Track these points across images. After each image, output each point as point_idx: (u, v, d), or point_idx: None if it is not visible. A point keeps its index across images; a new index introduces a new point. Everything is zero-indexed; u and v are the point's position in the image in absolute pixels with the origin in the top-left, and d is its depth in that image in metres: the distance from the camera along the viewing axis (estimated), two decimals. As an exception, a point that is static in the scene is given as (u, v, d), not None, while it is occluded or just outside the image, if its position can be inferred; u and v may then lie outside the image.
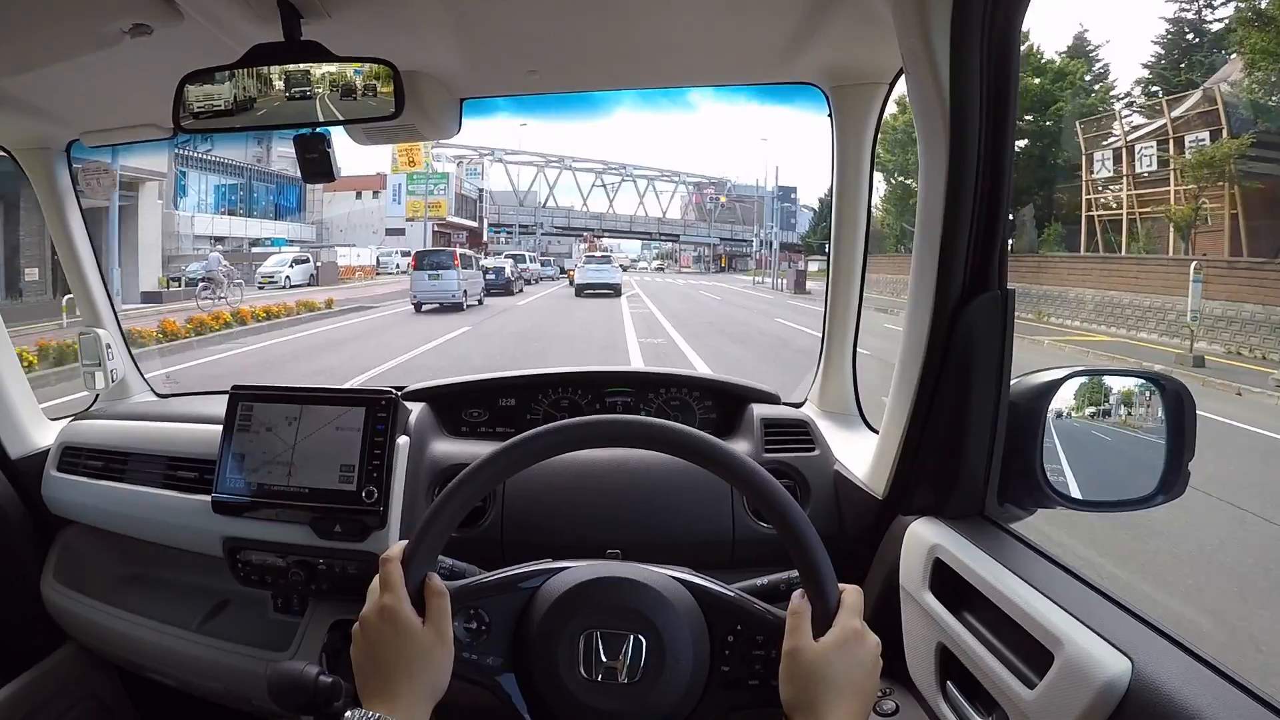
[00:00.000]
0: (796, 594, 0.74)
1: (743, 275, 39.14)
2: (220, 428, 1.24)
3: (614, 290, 21.58)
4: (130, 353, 1.72)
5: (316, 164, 1.13)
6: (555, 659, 0.75)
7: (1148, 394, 0.92)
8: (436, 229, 31.10)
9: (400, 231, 31.01)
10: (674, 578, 0.79)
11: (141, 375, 1.76)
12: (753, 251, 41.40)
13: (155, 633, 1.40)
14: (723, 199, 44.71)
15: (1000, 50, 0.82)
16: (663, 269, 48.30)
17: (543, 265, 31.28)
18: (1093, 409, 0.94)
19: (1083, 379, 0.93)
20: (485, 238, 35.77)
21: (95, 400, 1.71)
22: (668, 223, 44.88)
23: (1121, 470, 0.95)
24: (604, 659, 0.74)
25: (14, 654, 1.52)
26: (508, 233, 38.44)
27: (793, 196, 40.82)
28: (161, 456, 1.39)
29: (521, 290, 22.97)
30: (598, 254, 26.84)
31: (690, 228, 45.14)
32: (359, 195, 32.78)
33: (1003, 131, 0.84)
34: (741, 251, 44.54)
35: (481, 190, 37.64)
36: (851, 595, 0.73)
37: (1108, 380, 0.95)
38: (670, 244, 47.46)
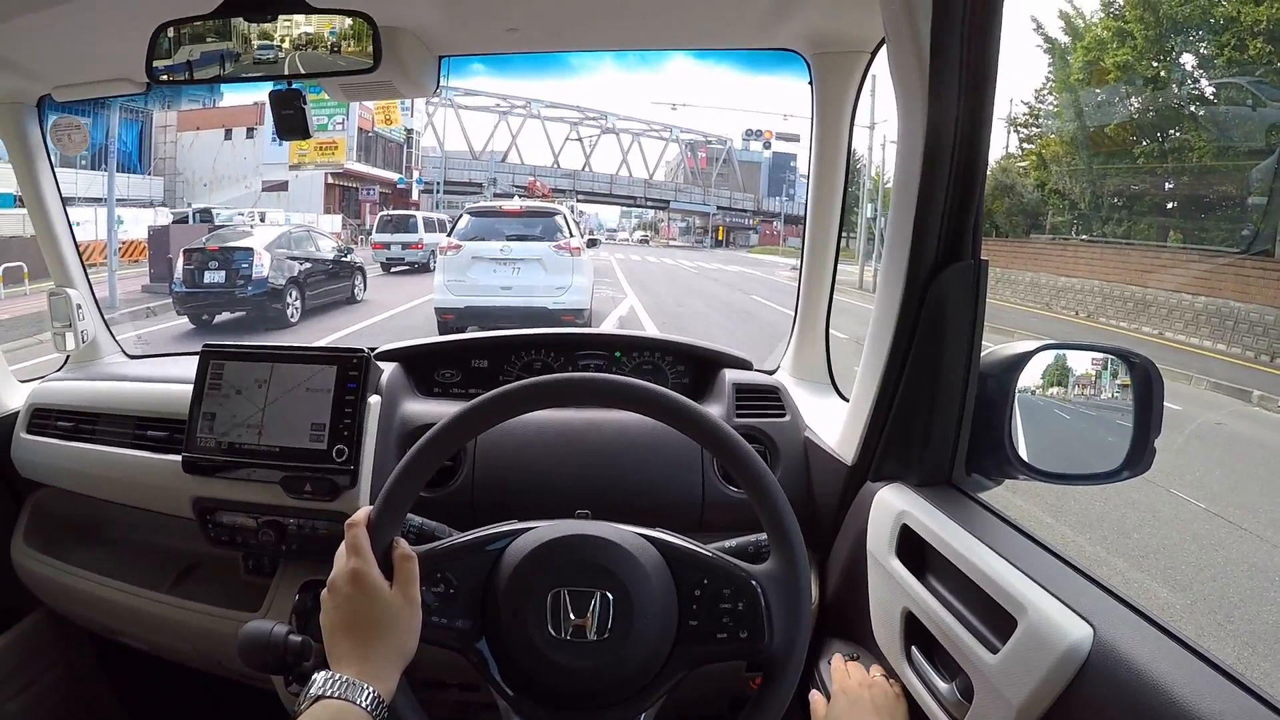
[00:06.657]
0: (814, 695, 0.82)
1: (749, 253, 31.80)
2: (190, 387, 1.22)
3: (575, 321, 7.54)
4: (101, 313, 1.69)
5: (291, 120, 1.13)
6: (524, 619, 0.75)
7: (1117, 370, 0.93)
8: (331, 182, 22.12)
9: (282, 186, 20.79)
10: (640, 534, 0.79)
11: (113, 336, 1.73)
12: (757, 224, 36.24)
13: (126, 595, 1.39)
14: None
15: (983, 19, 0.82)
16: (647, 240, 39.24)
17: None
18: (1062, 383, 0.95)
19: (1053, 353, 0.93)
20: (415, 195, 26.32)
21: (66, 362, 1.68)
22: (656, 185, 34.69)
23: (1089, 444, 0.96)
24: (572, 617, 0.74)
25: None
26: (438, 190, 26.89)
27: (791, 165, 35.59)
28: (131, 416, 1.37)
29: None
30: (518, 211, 8.62)
31: (682, 192, 35.71)
32: (229, 134, 21.50)
33: (981, 103, 0.84)
34: (742, 224, 37.27)
35: (411, 133, 26.98)
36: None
37: (1078, 355, 0.95)
38: (655, 211, 37.85)
